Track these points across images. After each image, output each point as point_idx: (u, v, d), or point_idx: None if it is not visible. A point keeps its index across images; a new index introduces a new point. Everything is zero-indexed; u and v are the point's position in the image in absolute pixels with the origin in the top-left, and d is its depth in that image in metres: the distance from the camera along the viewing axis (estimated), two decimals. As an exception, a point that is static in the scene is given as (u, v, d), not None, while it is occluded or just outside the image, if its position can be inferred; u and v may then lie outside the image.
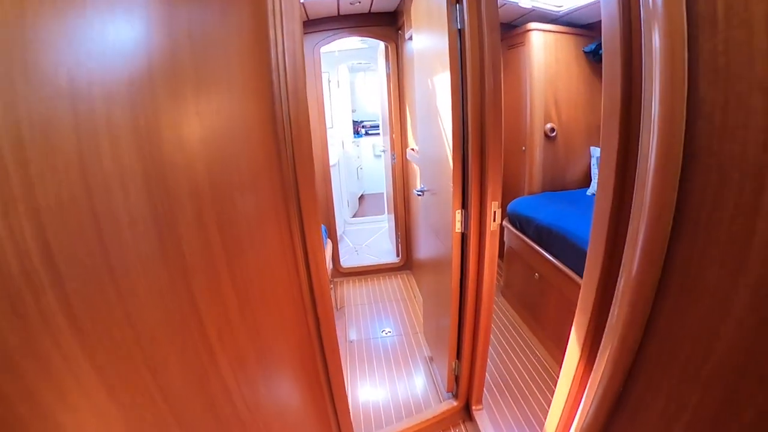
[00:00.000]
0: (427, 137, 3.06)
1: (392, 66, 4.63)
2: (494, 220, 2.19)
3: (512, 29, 4.25)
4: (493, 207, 2.17)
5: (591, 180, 4.25)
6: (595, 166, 4.21)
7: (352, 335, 3.90)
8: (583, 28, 4.09)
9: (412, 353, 3.61)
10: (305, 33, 4.18)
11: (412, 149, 4.15)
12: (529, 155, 4.16)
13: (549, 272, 3.36)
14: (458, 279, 2.52)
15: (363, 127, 9.08)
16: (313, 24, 4.31)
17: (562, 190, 4.25)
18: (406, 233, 5.07)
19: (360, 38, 5.00)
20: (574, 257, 3.06)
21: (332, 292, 4.19)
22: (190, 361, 0.84)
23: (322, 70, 4.66)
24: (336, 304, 4.44)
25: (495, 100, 2.06)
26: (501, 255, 4.35)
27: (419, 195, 3.17)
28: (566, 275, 3.09)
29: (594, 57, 4.08)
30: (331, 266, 4.28)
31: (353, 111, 8.89)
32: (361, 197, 8.87)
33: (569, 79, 4.11)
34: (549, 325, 3.44)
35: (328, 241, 3.79)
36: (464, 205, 2.31)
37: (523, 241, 3.69)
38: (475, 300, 2.47)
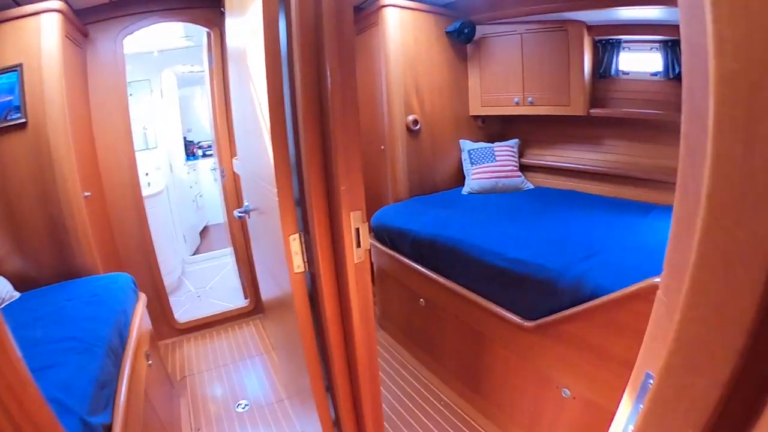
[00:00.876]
0: (243, 134, 2.11)
1: (215, 58, 3.62)
2: (359, 245, 1.28)
3: (361, 11, 3.56)
4: (354, 222, 1.27)
5: (465, 177, 3.65)
6: (468, 161, 3.64)
7: (200, 422, 2.72)
8: (444, 7, 3.54)
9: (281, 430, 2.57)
10: (103, 20, 3.10)
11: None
12: (390, 155, 3.42)
13: (438, 295, 2.62)
14: (312, 340, 1.56)
15: (199, 147, 7.69)
16: (114, 7, 3.11)
17: (433, 192, 3.59)
18: (250, 268, 3.99)
19: (180, 25, 4.00)
20: (470, 272, 2.35)
21: (158, 360, 2.94)
22: None
23: (142, 77, 3.39)
24: (175, 376, 3.21)
25: (344, 62, 1.22)
26: (371, 278, 3.52)
27: (240, 217, 2.19)
28: (462, 297, 2.39)
29: (458, 38, 3.52)
30: (150, 328, 3.02)
31: (188, 131, 7.49)
32: (205, 229, 7.41)
33: (431, 62, 3.51)
34: (449, 359, 2.70)
35: (141, 295, 2.62)
36: (304, 227, 1.37)
37: (397, 260, 2.89)
38: (347, 363, 1.54)
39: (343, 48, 1.21)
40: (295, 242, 1.38)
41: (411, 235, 2.71)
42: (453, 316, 2.54)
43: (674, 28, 2.99)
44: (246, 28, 1.74)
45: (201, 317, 3.99)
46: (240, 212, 2.14)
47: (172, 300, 3.95)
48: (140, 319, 2.28)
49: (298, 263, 1.41)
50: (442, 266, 2.54)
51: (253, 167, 1.98)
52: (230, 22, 2.32)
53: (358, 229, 1.27)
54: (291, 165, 1.35)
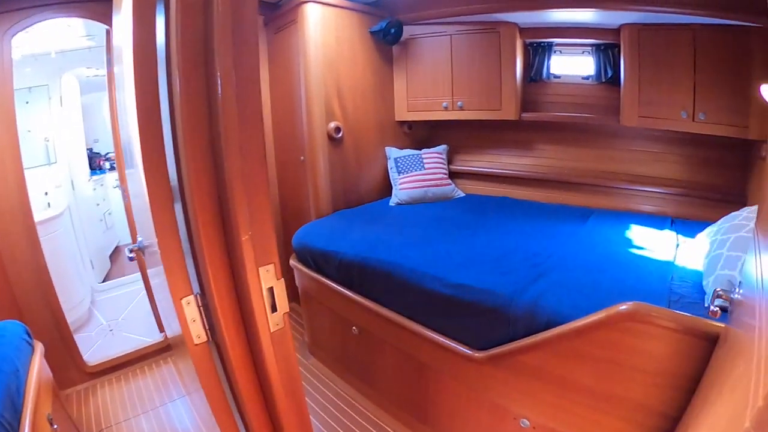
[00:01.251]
0: (129, 155, 1.72)
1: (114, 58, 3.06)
2: (273, 309, 0.96)
3: (279, 8, 3.18)
4: (266, 280, 0.94)
5: (392, 187, 3.39)
6: (394, 169, 3.37)
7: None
8: (370, 6, 3.25)
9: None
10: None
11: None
12: (310, 166, 3.07)
13: (373, 324, 2.34)
14: (230, 419, 1.21)
15: (107, 160, 6.81)
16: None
17: (358, 205, 3.30)
18: None
19: (80, 21, 3.37)
20: (408, 300, 2.09)
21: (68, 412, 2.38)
22: None
23: (40, 82, 3.17)
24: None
25: (243, 66, 0.88)
26: (296, 298, 3.23)
27: (132, 258, 1.78)
28: (401, 326, 2.13)
29: (384, 38, 3.26)
30: (51, 382, 2.45)
31: (95, 141, 6.62)
32: (116, 251, 6.53)
33: (354, 64, 3.21)
34: (391, 390, 2.43)
35: (37, 345, 2.09)
36: (201, 287, 1.03)
37: (324, 284, 2.56)
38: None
39: (242, 47, 0.88)
40: (190, 307, 1.02)
41: (337, 258, 2.40)
42: (392, 346, 2.27)
43: (607, 31, 2.94)
44: (121, 21, 1.36)
45: (114, 356, 3.40)
46: (131, 252, 1.71)
47: (81, 337, 3.43)
48: (37, 377, 1.78)
49: (198, 332, 1.05)
50: (376, 292, 2.26)
51: (141, 196, 1.59)
52: (116, 17, 1.89)
53: (271, 289, 0.95)
54: (175, 206, 1.00)
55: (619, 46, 2.97)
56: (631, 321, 1.39)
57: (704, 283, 1.78)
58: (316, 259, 2.60)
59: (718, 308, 1.07)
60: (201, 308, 1.04)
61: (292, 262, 2.84)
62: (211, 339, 1.08)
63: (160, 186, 0.98)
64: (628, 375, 1.46)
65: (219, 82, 0.84)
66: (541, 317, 1.65)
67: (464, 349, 1.88)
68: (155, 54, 1.01)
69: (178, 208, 1.02)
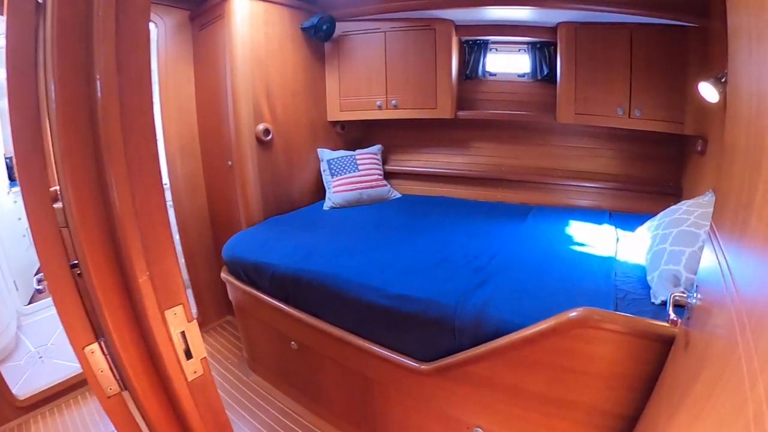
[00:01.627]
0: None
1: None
2: (188, 356, 0.82)
3: (205, 2, 2.93)
4: (175, 325, 0.80)
5: (326, 190, 3.24)
6: (327, 172, 3.24)
7: None
8: (301, 0, 3.08)
9: None
10: None
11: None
12: (239, 172, 2.87)
13: (312, 338, 2.20)
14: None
15: None
16: None
17: (291, 210, 3.13)
18: (194, 269, 3.35)
19: None
20: (347, 313, 1.99)
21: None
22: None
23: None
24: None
25: (129, 66, 0.71)
26: (231, 311, 3.05)
27: (39, 291, 1.54)
28: (341, 340, 2.02)
29: (315, 35, 3.08)
30: None
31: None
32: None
33: (284, 63, 3.02)
34: (337, 404, 2.32)
35: None
36: (97, 333, 0.87)
37: (257, 298, 2.40)
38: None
39: (128, 40, 0.72)
40: (95, 356, 0.85)
41: (269, 270, 2.25)
42: (334, 361, 2.15)
43: (544, 30, 2.94)
44: None
45: (47, 386, 3.05)
46: (39, 282, 1.46)
47: (9, 368, 3.08)
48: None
49: (108, 383, 0.88)
50: (312, 306, 2.12)
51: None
52: None
53: (183, 333, 0.81)
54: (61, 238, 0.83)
55: (555, 45, 2.98)
56: (582, 327, 1.36)
57: (648, 278, 1.80)
58: (248, 272, 2.43)
59: (676, 317, 1.03)
60: (108, 356, 0.87)
61: (224, 275, 2.65)
62: (124, 388, 0.92)
63: (41, 213, 0.81)
64: (581, 380, 1.44)
65: (99, 85, 0.68)
66: (488, 326, 1.59)
67: (410, 362, 1.80)
68: (34, 54, 0.83)
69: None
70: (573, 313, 1.36)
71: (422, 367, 1.76)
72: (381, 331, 1.88)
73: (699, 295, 0.96)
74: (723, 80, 2.10)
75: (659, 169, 2.98)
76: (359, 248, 2.28)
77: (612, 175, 3.07)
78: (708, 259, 0.93)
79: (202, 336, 3.28)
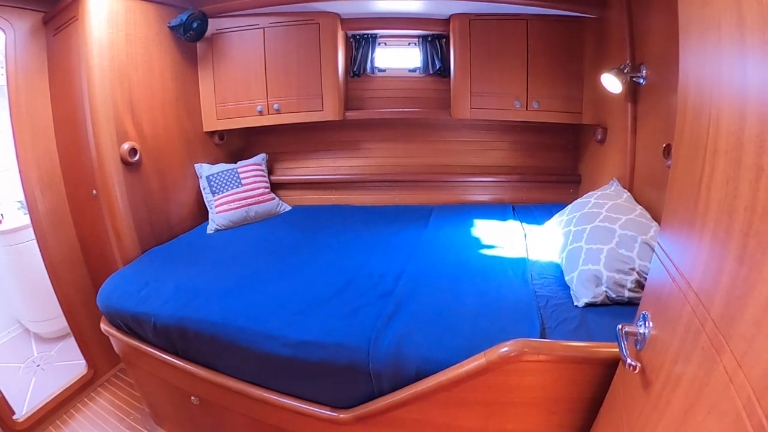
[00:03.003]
0: None
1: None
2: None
3: (57, 2, 2.46)
4: None
5: (208, 211, 2.87)
6: (207, 189, 2.86)
7: None
8: None
9: None
10: None
11: None
12: (105, 201, 2.41)
13: (213, 393, 1.88)
14: None
15: None
16: None
17: (171, 238, 2.72)
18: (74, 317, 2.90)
19: None
20: (246, 364, 1.71)
21: None
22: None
23: None
24: None
25: None
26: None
27: None
28: (245, 394, 1.72)
29: (185, 34, 2.67)
30: None
31: None
32: None
33: (149, 69, 2.60)
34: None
35: None
36: None
37: (143, 352, 2.03)
38: None
39: None
40: None
41: (150, 321, 1.88)
42: (241, 415, 1.85)
43: (435, 22, 2.78)
44: None
45: (49, 398, 2.73)
46: None
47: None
48: None
49: None
50: (205, 357, 1.81)
51: None
52: None
53: None
54: None
55: (447, 37, 2.86)
56: (516, 362, 1.21)
57: (567, 278, 1.72)
58: (128, 324, 2.05)
59: (636, 363, 0.88)
60: None
61: (103, 327, 2.24)
62: None
63: None
64: (519, 410, 1.33)
65: None
66: (408, 368, 1.37)
67: (326, 412, 1.56)
68: None
69: None
70: (504, 349, 1.22)
71: (341, 416, 1.53)
72: (287, 381, 1.62)
73: (651, 324, 0.90)
74: (626, 71, 2.11)
75: (557, 158, 2.99)
76: (250, 282, 1.97)
77: (511, 167, 3.04)
78: (658, 277, 0.90)
79: (97, 391, 2.86)
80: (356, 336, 1.49)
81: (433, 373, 1.34)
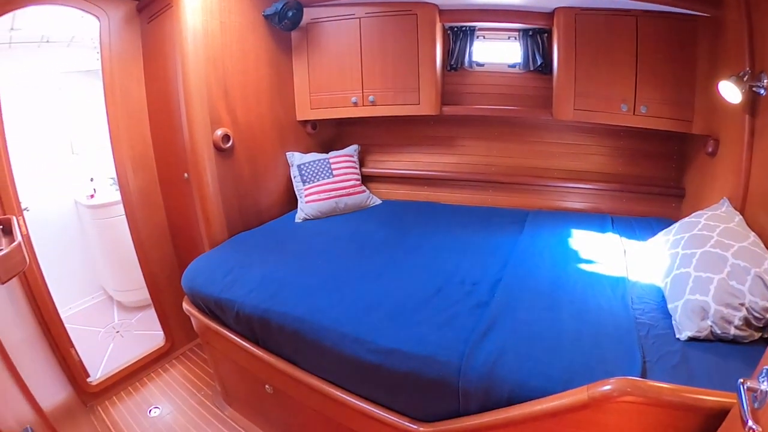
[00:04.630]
0: None
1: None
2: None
3: None
4: None
5: (297, 199, 2.87)
6: (298, 178, 2.87)
7: None
8: None
9: None
10: None
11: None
12: (196, 185, 2.48)
13: (289, 386, 1.88)
14: None
15: None
16: None
17: (259, 225, 2.75)
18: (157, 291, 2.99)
19: None
20: (327, 364, 1.68)
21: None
22: None
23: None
24: None
25: None
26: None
27: None
28: (320, 392, 1.70)
29: (280, 23, 2.67)
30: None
31: None
32: None
33: (244, 56, 2.63)
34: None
35: None
36: None
37: (224, 336, 2.07)
38: None
39: None
40: None
41: (233, 309, 1.90)
42: (315, 412, 1.84)
43: (538, 15, 2.61)
44: None
45: (119, 367, 2.88)
46: None
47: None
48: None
49: None
50: (286, 350, 1.80)
51: None
52: None
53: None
54: None
55: (548, 32, 2.69)
56: (618, 402, 1.10)
57: (670, 306, 1.57)
58: (210, 307, 2.09)
59: (757, 427, 0.77)
60: None
61: (186, 306, 2.31)
62: None
63: None
64: None
65: None
66: (500, 391, 1.29)
67: (405, 422, 1.50)
68: None
69: None
70: (608, 387, 1.11)
71: (420, 429, 1.47)
72: (369, 387, 1.57)
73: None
74: (745, 78, 1.86)
75: (659, 168, 2.74)
76: (337, 278, 1.94)
77: (610, 174, 2.82)
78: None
79: (172, 363, 2.96)
80: (448, 349, 1.42)
81: (526, 400, 1.25)
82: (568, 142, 2.88)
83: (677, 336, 1.45)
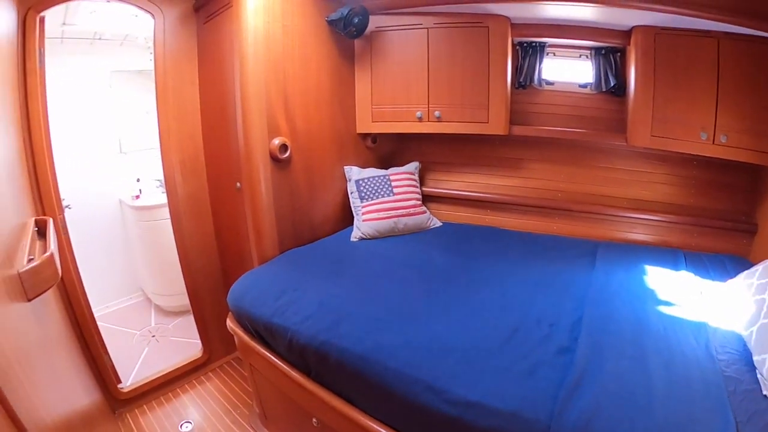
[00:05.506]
0: None
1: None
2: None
3: None
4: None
5: (354, 216, 2.73)
6: (356, 194, 2.73)
7: None
8: None
9: None
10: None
11: None
12: (249, 196, 2.36)
13: (341, 425, 1.70)
14: None
15: None
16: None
17: (312, 241, 2.62)
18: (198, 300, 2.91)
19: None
20: (391, 409, 1.49)
21: None
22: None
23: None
24: None
25: None
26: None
27: None
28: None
29: (345, 29, 2.55)
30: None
31: None
32: None
33: (306, 63, 2.51)
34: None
35: None
36: None
37: (272, 363, 1.92)
38: None
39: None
40: None
41: (286, 336, 1.75)
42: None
43: (613, 33, 2.42)
44: None
45: (151, 376, 2.78)
46: None
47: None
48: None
49: None
50: (343, 389, 1.63)
51: None
52: None
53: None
54: None
55: (622, 51, 2.50)
56: None
57: (756, 358, 1.41)
58: (258, 330, 1.95)
59: None
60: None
61: (230, 324, 2.18)
62: None
63: None
64: None
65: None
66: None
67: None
68: None
69: None
70: None
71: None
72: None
73: None
74: None
75: (730, 200, 2.54)
76: (402, 311, 1.76)
77: (680, 206, 2.61)
78: None
79: (208, 376, 2.84)
80: (535, 405, 1.24)
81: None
82: (638, 169, 2.68)
83: (764, 392, 1.29)
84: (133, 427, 2.51)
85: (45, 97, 2.12)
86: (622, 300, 1.87)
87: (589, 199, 2.74)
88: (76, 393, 1.59)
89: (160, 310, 3.83)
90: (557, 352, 1.49)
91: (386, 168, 2.89)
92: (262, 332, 1.92)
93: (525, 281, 2.05)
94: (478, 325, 1.66)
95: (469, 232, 2.74)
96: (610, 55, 2.60)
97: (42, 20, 2.09)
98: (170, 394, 2.78)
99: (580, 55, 2.71)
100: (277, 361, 1.88)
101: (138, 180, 3.86)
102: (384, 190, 2.71)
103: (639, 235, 2.66)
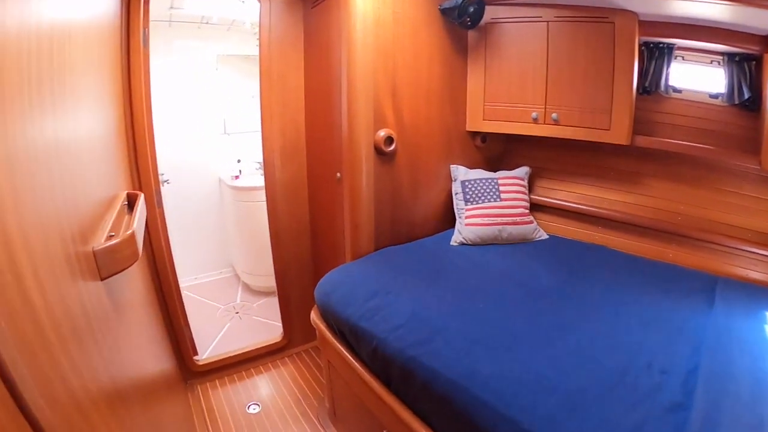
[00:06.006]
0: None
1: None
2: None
3: None
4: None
5: (456, 219, 2.56)
6: (460, 195, 2.58)
7: None
8: None
9: None
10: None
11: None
12: (349, 187, 2.29)
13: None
14: None
15: None
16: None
17: (409, 240, 2.50)
18: (284, 284, 2.93)
19: None
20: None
21: None
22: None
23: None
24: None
25: None
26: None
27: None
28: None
29: (459, 19, 2.40)
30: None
31: None
32: None
33: (416, 53, 2.39)
34: None
35: None
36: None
37: (352, 367, 1.83)
38: None
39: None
40: None
41: (371, 342, 1.64)
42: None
43: (747, 37, 2.05)
44: None
45: (227, 353, 2.84)
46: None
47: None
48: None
49: None
50: (425, 409, 1.49)
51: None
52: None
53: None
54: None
55: (758, 59, 2.11)
56: None
57: None
58: (342, 330, 1.87)
59: None
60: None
61: (314, 318, 2.13)
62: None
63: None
64: None
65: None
66: None
67: None
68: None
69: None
70: None
71: None
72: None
73: None
74: None
75: None
76: (501, 336, 1.58)
77: None
78: None
79: (284, 361, 2.83)
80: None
81: None
82: (761, 196, 2.26)
83: None
84: (202, 399, 2.56)
85: (148, 75, 2.17)
86: (743, 352, 1.56)
87: (710, 226, 2.36)
88: (147, 360, 1.60)
89: (247, 288, 3.93)
90: (669, 408, 1.25)
91: (494, 170, 2.70)
92: (347, 333, 1.84)
93: (637, 314, 1.78)
94: (584, 362, 1.45)
95: (578, 249, 2.48)
96: (744, 63, 2.21)
97: (147, 1, 2.13)
98: (244, 373, 2.81)
99: (711, 61, 2.32)
100: (357, 365, 1.79)
101: (239, 161, 3.97)
102: (491, 194, 2.52)
103: (760, 275, 2.26)
